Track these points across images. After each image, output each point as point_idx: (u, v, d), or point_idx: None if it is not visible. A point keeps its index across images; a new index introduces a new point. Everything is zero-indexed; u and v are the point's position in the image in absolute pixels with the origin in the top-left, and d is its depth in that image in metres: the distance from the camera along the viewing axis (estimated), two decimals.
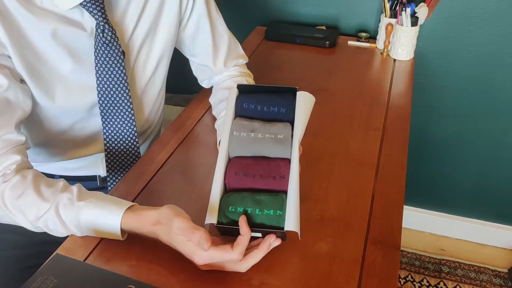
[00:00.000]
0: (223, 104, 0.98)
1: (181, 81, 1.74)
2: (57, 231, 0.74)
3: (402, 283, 1.68)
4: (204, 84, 1.14)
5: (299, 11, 1.58)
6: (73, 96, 0.88)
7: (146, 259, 0.71)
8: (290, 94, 0.76)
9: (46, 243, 0.82)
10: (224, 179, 0.71)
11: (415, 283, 1.67)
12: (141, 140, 1.09)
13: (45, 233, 0.80)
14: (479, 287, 1.66)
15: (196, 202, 0.82)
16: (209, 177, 0.80)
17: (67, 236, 0.75)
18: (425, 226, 1.87)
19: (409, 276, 1.70)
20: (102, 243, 0.74)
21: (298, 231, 0.66)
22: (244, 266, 0.67)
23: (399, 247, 0.75)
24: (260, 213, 0.67)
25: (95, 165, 1.03)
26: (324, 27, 1.54)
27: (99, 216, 0.71)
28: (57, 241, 0.75)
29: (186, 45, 1.05)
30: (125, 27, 0.90)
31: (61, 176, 1.00)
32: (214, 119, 1.05)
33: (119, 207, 0.72)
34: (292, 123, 0.74)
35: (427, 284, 1.67)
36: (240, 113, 0.76)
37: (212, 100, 1.08)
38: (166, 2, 0.94)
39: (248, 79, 1.08)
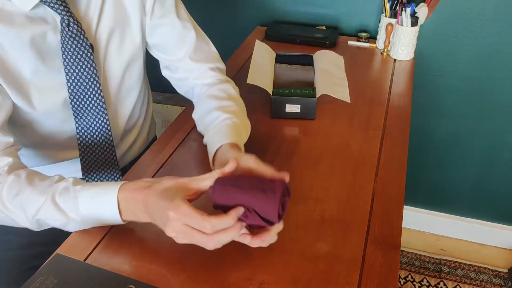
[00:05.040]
0: (209, 118, 0.91)
1: None
2: (57, 222, 0.73)
3: (402, 283, 1.68)
4: (189, 96, 1.06)
5: (299, 11, 1.58)
6: (47, 98, 0.87)
7: (146, 259, 0.71)
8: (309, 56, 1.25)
9: (47, 244, 0.82)
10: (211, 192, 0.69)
11: (415, 283, 1.67)
12: (130, 138, 1.08)
13: (46, 234, 0.79)
14: (479, 287, 1.66)
15: (196, 202, 0.82)
16: None
17: (68, 236, 0.75)
18: (425, 226, 1.87)
19: (409, 276, 1.70)
20: (102, 243, 0.74)
21: (328, 93, 1.04)
22: (212, 243, 0.64)
23: (399, 247, 0.75)
24: (299, 91, 1.06)
25: None
26: (324, 27, 1.54)
27: (97, 194, 0.71)
28: (58, 241, 0.75)
29: (158, 46, 0.99)
30: (90, 20, 0.88)
31: None
32: None
33: (116, 183, 0.72)
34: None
35: (427, 284, 1.67)
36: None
37: (196, 115, 0.99)
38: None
39: (233, 85, 1.01)
